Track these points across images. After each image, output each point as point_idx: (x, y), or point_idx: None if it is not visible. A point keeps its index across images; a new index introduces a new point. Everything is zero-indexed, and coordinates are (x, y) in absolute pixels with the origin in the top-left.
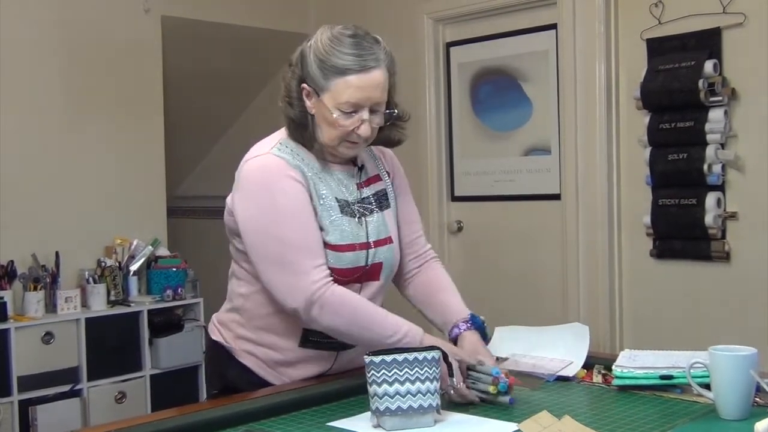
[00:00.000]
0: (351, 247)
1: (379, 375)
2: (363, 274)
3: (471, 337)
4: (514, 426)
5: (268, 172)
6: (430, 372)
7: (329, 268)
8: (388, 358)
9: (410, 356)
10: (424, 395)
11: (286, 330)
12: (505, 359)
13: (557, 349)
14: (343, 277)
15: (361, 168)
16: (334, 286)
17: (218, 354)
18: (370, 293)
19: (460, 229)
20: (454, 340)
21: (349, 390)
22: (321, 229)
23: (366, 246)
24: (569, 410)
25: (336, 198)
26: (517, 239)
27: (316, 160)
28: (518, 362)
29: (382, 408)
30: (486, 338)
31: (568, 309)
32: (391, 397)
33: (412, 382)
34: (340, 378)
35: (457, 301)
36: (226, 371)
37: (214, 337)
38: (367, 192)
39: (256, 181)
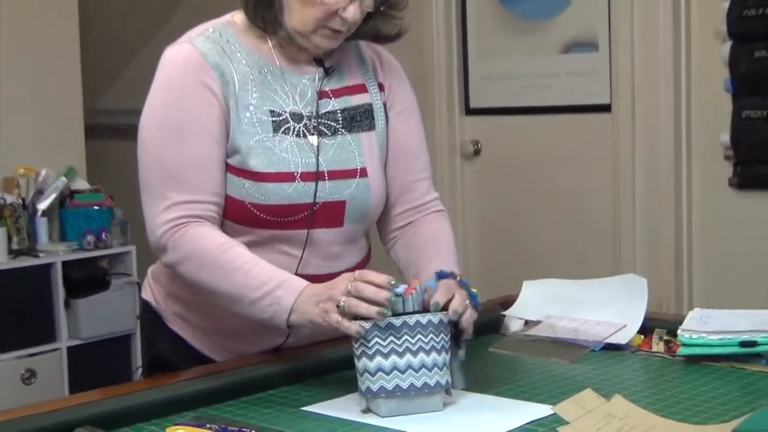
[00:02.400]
0: (285, 177)
1: (370, 345)
2: (310, 216)
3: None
4: (547, 409)
5: (174, 69)
6: (437, 340)
7: (253, 206)
8: (383, 322)
9: (410, 319)
10: (429, 370)
11: None
12: (537, 323)
13: (605, 308)
14: (275, 216)
15: (329, 71)
16: (191, 226)
17: (148, 319)
18: (327, 245)
19: (476, 152)
20: None
21: (323, 366)
22: (237, 152)
23: (313, 176)
24: (621, 388)
25: (272, 110)
26: (552, 165)
27: (265, 55)
28: (554, 327)
29: (375, 388)
30: (473, 303)
31: (620, 256)
32: (387, 374)
33: (414, 354)
34: (310, 351)
35: (444, 261)
36: (156, 341)
37: (144, 296)
38: (334, 105)
39: (159, 80)
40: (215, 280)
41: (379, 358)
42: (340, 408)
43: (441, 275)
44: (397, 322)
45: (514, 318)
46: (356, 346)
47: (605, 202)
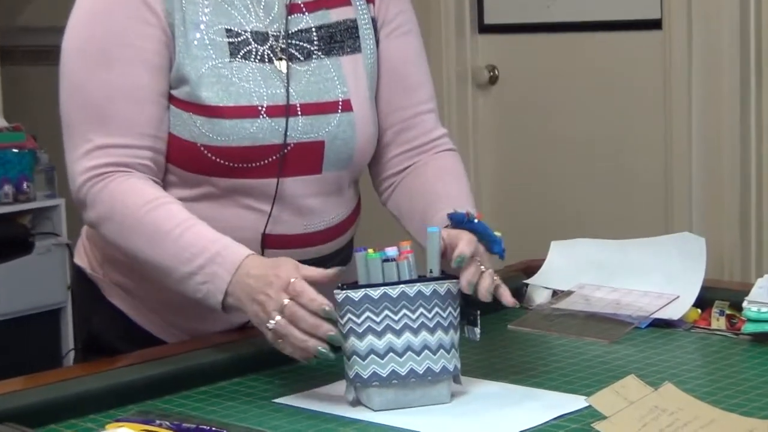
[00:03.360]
0: (246, 111)
1: (360, 321)
2: (279, 161)
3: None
4: (580, 401)
5: None
6: (444, 315)
7: (207, 149)
8: (375, 292)
9: (410, 289)
10: (434, 353)
11: None
12: (567, 294)
13: (653, 275)
14: (235, 162)
15: None
16: (115, 178)
17: (83, 289)
18: (302, 198)
19: (492, 80)
20: None
21: None
22: (185, 82)
23: (282, 111)
24: (672, 374)
25: (228, 30)
26: (587, 97)
27: None
28: (589, 299)
29: (366, 374)
30: (495, 250)
31: (672, 210)
32: (381, 357)
33: (415, 332)
34: None
35: (456, 199)
36: (92, 316)
37: (77, 262)
38: (308, 21)
39: (84, 2)
40: (140, 247)
41: (370, 338)
42: (323, 400)
43: (456, 219)
44: (393, 291)
45: (540, 288)
46: (342, 322)
47: (653, 143)
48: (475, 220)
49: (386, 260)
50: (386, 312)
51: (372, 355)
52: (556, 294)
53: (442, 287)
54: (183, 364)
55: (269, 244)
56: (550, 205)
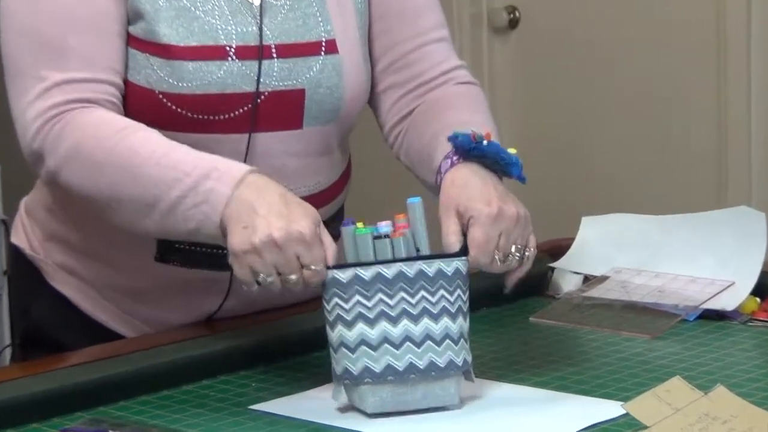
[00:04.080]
0: (212, 53)
1: (349, 306)
2: (252, 112)
3: (461, 178)
4: (616, 407)
5: None
6: (452, 299)
7: (167, 96)
8: (367, 272)
9: (410, 268)
10: (438, 344)
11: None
12: (602, 280)
13: (703, 257)
14: (199, 113)
15: None
16: (77, 112)
17: (22, 273)
18: (279, 157)
19: (512, 23)
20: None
21: (282, 345)
22: (140, 16)
23: (255, 53)
24: (725, 376)
25: None
26: (628, 45)
27: None
28: (627, 286)
29: (356, 370)
30: (513, 173)
31: (727, 179)
32: (374, 349)
33: (415, 319)
34: (262, 322)
35: (467, 118)
36: (33, 305)
37: (15, 241)
38: None
39: None
40: (113, 181)
41: (361, 326)
42: (308, 406)
43: (460, 145)
44: (388, 271)
45: (568, 273)
46: (329, 307)
47: (705, 94)
48: (484, 142)
49: (378, 237)
50: (380, 296)
51: (363, 347)
52: (588, 280)
53: (449, 266)
54: (142, 363)
55: None
56: (580, 172)
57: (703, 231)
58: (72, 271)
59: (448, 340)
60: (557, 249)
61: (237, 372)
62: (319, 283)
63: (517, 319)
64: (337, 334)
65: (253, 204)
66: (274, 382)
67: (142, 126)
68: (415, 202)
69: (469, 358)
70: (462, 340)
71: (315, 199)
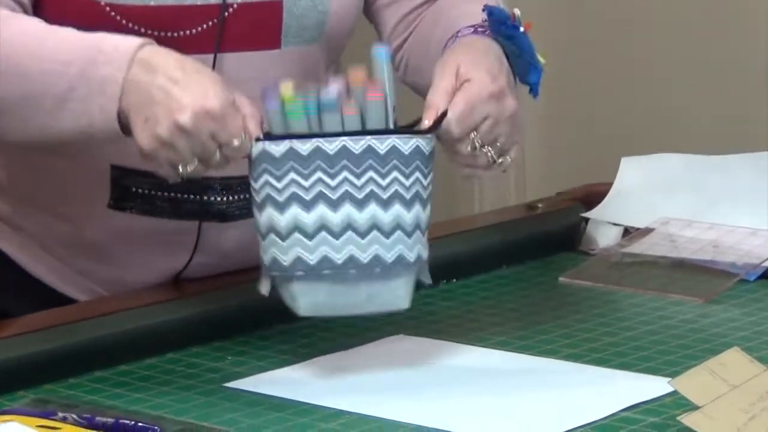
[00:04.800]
0: None
1: (281, 186)
2: (217, 28)
3: (477, 42)
4: (662, 383)
5: None
6: (407, 183)
7: (114, 9)
8: (305, 145)
9: (355, 144)
10: (387, 234)
11: (78, 166)
12: (645, 232)
13: (764, 204)
14: (153, 28)
15: None
16: None
17: None
18: (251, 83)
19: None
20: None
21: (263, 311)
22: None
23: None
24: None
25: None
26: None
27: None
28: (676, 239)
29: (287, 261)
30: (530, 80)
31: None
32: (310, 237)
33: (360, 204)
34: (239, 283)
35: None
36: None
37: None
38: None
39: None
40: (12, 52)
41: (295, 208)
42: (293, 384)
43: (496, 16)
44: (330, 146)
45: (605, 224)
46: (256, 186)
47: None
48: (521, 29)
49: (324, 106)
50: (319, 174)
51: (296, 234)
52: (629, 233)
53: (407, 144)
54: (96, 332)
55: None
56: (618, 102)
57: (765, 173)
58: (7, 220)
59: (399, 232)
60: (592, 196)
61: (210, 343)
62: (245, 157)
63: (545, 279)
64: (266, 217)
65: (148, 86)
66: (253, 355)
67: (19, 15)
68: (382, 53)
69: (425, 255)
70: (417, 232)
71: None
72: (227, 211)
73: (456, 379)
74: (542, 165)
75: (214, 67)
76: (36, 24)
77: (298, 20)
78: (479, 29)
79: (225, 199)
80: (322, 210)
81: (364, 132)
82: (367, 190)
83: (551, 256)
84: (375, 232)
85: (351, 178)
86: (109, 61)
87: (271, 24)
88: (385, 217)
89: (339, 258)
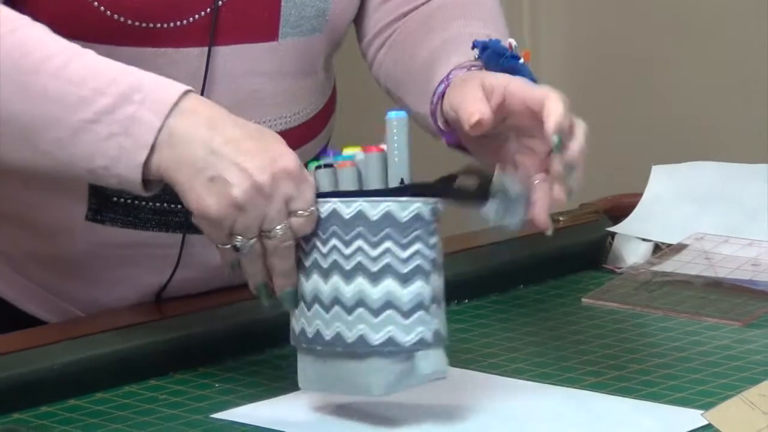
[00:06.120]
0: None
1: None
2: (210, 19)
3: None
4: (695, 416)
5: None
6: (404, 255)
7: (102, 1)
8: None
9: (347, 207)
10: (375, 314)
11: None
12: (678, 249)
13: None
14: (143, 20)
15: None
16: None
17: None
18: (248, 79)
19: None
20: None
21: (246, 334)
22: None
23: None
24: None
25: None
26: None
27: None
28: (712, 257)
29: (311, 331)
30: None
31: None
32: (308, 307)
33: (347, 276)
34: (229, 301)
35: (480, 30)
36: None
37: None
38: None
39: None
40: (12, 75)
41: (300, 276)
42: (287, 415)
43: (491, 49)
44: (322, 208)
45: (633, 239)
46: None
47: None
48: (521, 61)
49: (318, 167)
50: (314, 240)
51: (316, 304)
52: (660, 249)
53: (406, 210)
54: (71, 356)
55: None
56: (647, 106)
57: None
58: None
59: (391, 310)
60: (620, 208)
61: (195, 369)
62: (306, 233)
63: (566, 300)
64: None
65: (207, 141)
66: (243, 382)
67: (32, 23)
68: (395, 117)
69: (429, 336)
70: (421, 312)
71: (295, 134)
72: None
73: (464, 409)
74: None
75: (208, 61)
76: (59, 40)
77: (298, 9)
78: (473, 68)
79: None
80: (315, 279)
81: (354, 193)
82: (355, 261)
83: (573, 274)
84: (362, 310)
85: (339, 245)
86: (144, 100)
87: (269, 14)
88: (373, 292)
89: (328, 334)
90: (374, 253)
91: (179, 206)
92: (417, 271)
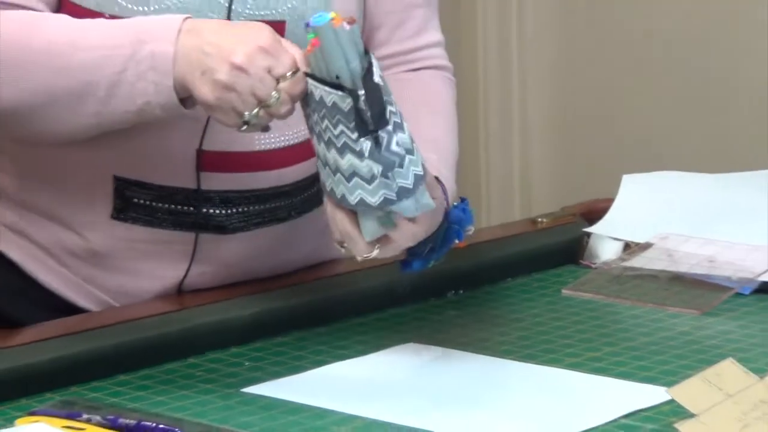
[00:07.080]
0: None
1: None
2: None
3: None
4: (660, 392)
5: None
6: (336, 131)
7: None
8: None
9: (315, 89)
10: (348, 180)
11: (82, 176)
12: (645, 247)
13: (762, 222)
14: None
15: None
16: None
17: None
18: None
19: None
20: None
21: (273, 319)
22: None
23: None
24: None
25: None
26: None
27: None
28: (674, 254)
29: (351, 191)
30: (459, 225)
31: None
32: (348, 179)
33: (327, 145)
34: (247, 292)
35: (435, 135)
36: None
37: None
38: None
39: None
40: (29, 83)
41: (334, 151)
42: (308, 390)
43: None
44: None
45: (606, 239)
46: (336, 132)
47: (760, 41)
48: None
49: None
50: (317, 115)
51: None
52: (629, 247)
53: (329, 97)
54: (120, 338)
55: (207, 164)
56: (619, 123)
57: (762, 191)
58: (14, 227)
59: (357, 178)
60: (594, 212)
61: (228, 349)
62: (303, 92)
63: (548, 291)
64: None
65: (198, 47)
66: (270, 360)
67: (55, 14)
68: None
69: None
70: (409, 154)
71: (296, 152)
72: (226, 223)
73: (463, 385)
74: (547, 181)
75: None
76: (71, 19)
77: (299, 41)
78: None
79: (224, 212)
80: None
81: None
82: (328, 134)
83: (554, 269)
84: (339, 175)
85: (323, 119)
86: (156, 38)
87: None
88: (343, 162)
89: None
90: (336, 130)
91: (191, 208)
92: (345, 146)
